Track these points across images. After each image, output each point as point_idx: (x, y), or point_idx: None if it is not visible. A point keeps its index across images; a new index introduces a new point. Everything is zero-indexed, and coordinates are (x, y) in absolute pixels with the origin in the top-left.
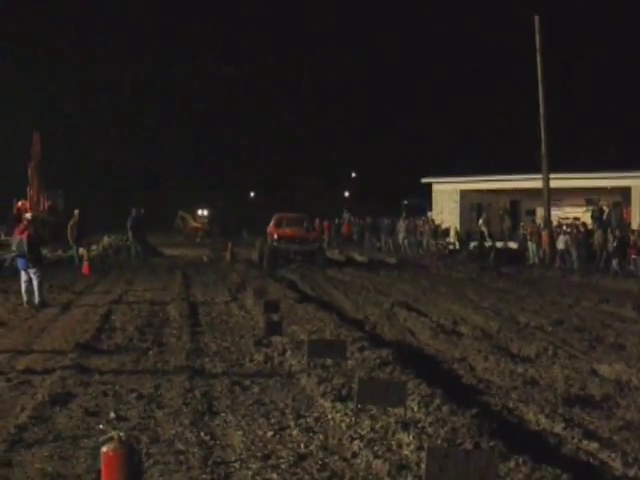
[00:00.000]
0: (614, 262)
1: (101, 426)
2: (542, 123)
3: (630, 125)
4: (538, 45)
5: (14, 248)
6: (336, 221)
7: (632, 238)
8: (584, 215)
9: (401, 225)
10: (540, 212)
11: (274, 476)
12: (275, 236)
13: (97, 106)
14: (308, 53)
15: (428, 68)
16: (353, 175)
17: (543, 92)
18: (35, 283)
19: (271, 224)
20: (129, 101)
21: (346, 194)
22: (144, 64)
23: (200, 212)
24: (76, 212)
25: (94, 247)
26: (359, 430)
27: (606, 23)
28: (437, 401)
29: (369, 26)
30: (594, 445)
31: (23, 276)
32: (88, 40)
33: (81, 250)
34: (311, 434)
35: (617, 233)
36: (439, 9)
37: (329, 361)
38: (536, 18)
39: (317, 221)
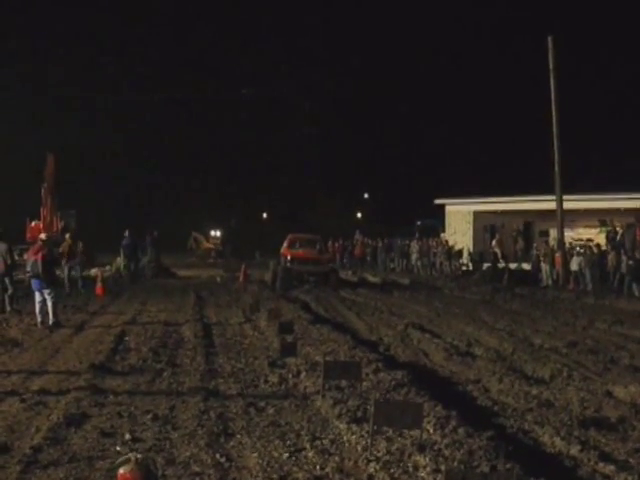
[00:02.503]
0: (634, 286)
1: (118, 447)
2: (555, 144)
3: None
4: (552, 65)
5: (28, 269)
6: (348, 242)
7: None
8: (597, 236)
9: (414, 246)
10: (553, 233)
11: None
12: (288, 257)
13: (112, 127)
14: (321, 73)
15: (441, 89)
16: (365, 196)
17: (556, 112)
18: (49, 304)
19: (284, 245)
20: (144, 122)
21: (359, 215)
22: (159, 85)
23: (213, 233)
24: (67, 235)
25: (107, 268)
26: (375, 452)
27: (620, 41)
28: (453, 423)
29: (384, 47)
30: (610, 468)
31: (37, 297)
32: (104, 59)
33: (94, 271)
34: (327, 456)
35: (633, 254)
36: (453, 30)
37: (344, 383)
38: (549, 38)
39: (330, 242)
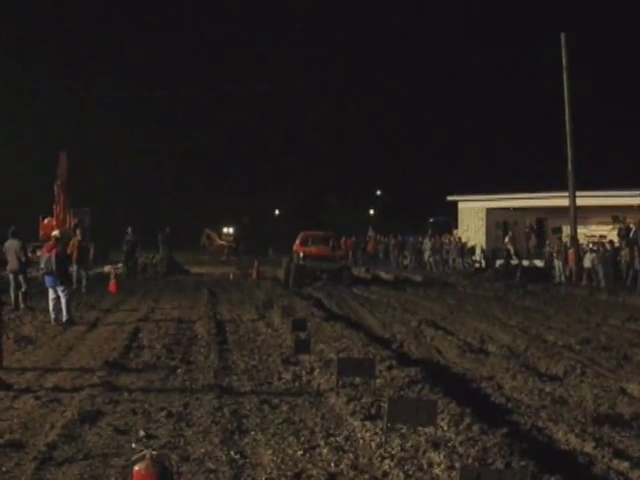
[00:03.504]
0: None
1: (133, 445)
2: (568, 140)
3: None
4: (565, 62)
5: (42, 266)
6: (361, 239)
7: None
8: (610, 233)
9: (427, 243)
10: (566, 230)
11: None
12: (301, 254)
13: (125, 124)
14: (335, 70)
15: (454, 86)
16: (378, 193)
17: (569, 109)
18: (63, 301)
19: (297, 242)
20: (157, 118)
21: (371, 212)
22: (174, 80)
23: (226, 230)
24: (78, 231)
25: (120, 265)
26: (389, 449)
27: (632, 38)
28: (467, 420)
29: (395, 43)
30: (625, 465)
31: (51, 294)
32: (116, 57)
33: (107, 268)
34: (341, 453)
35: None
36: (468, 26)
37: (357, 380)
38: (562, 35)
39: (343, 239)
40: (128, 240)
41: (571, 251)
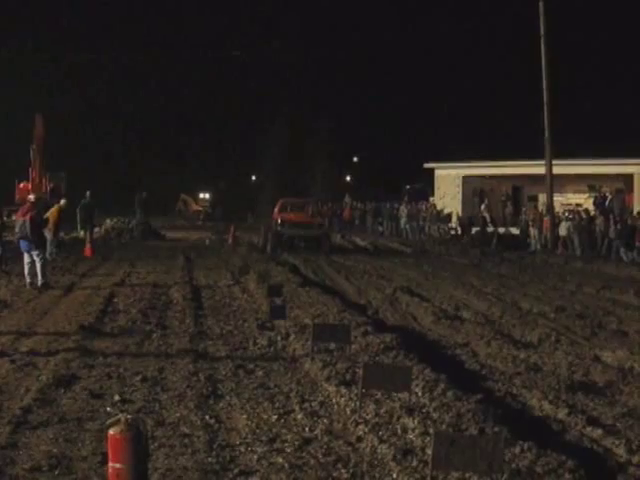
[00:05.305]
0: (621, 250)
1: (108, 409)
2: (545, 109)
3: (634, 112)
4: (542, 30)
5: (17, 230)
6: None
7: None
8: (586, 201)
9: (403, 210)
10: (542, 198)
11: (279, 460)
12: (279, 221)
13: (99, 88)
14: (312, 36)
15: (430, 52)
16: (355, 160)
17: (547, 78)
18: (38, 265)
19: (275, 209)
20: (131, 82)
21: (348, 179)
22: (148, 44)
23: (202, 195)
24: (62, 201)
25: (96, 230)
26: (364, 415)
27: (612, 8)
28: (441, 386)
29: (370, 8)
30: (598, 432)
31: (26, 258)
32: (91, 21)
33: (82, 233)
34: (316, 418)
35: (621, 220)
36: None
37: (333, 345)
38: (540, 4)
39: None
40: (84, 204)
41: (547, 219)
